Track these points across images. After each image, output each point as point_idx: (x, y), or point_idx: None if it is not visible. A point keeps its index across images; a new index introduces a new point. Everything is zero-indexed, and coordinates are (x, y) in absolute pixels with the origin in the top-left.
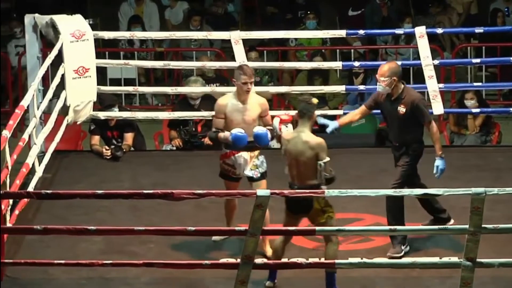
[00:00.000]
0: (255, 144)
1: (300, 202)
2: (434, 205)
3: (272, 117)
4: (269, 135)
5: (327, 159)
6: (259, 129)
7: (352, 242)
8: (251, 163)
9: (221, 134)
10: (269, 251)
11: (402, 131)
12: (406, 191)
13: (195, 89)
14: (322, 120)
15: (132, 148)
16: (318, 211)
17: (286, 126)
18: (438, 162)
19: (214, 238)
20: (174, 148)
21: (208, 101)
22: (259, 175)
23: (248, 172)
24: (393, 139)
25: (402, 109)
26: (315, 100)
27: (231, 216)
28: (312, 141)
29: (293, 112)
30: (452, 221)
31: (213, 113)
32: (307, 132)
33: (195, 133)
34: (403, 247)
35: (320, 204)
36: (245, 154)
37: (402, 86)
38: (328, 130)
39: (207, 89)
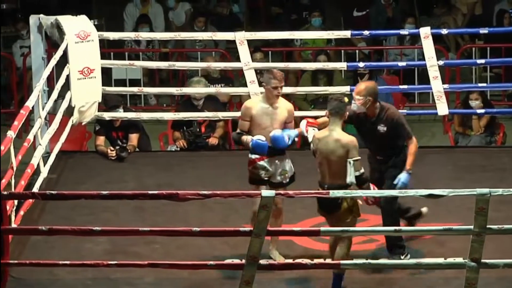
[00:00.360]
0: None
1: (329, 201)
2: (401, 208)
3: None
4: (286, 138)
5: (358, 157)
6: (276, 132)
7: (356, 243)
8: (280, 168)
9: (244, 138)
10: (276, 255)
11: (385, 147)
12: (411, 192)
13: (200, 89)
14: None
15: (137, 149)
16: (346, 211)
17: (313, 129)
18: (403, 175)
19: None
20: (178, 149)
21: (212, 101)
22: (287, 180)
23: (278, 177)
24: (376, 154)
25: (382, 128)
26: (346, 99)
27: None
28: (344, 139)
29: (318, 113)
30: (425, 209)
31: (217, 114)
32: (338, 130)
33: (199, 134)
34: (402, 257)
35: (348, 204)
36: (275, 159)
37: (379, 105)
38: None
39: (212, 89)
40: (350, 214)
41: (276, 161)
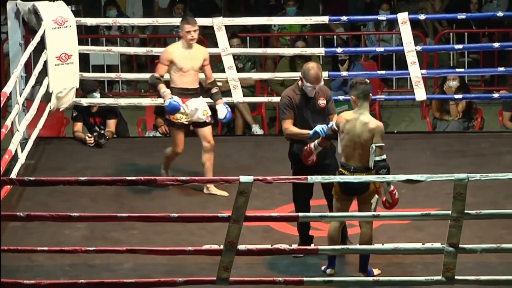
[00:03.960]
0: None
1: (357, 184)
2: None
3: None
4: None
5: (381, 144)
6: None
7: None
8: (201, 108)
9: (161, 88)
10: (216, 191)
11: (325, 123)
12: (389, 177)
13: None
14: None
15: (114, 135)
16: (372, 192)
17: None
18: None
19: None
20: (158, 134)
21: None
22: (210, 119)
23: (201, 116)
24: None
25: (322, 102)
26: (367, 80)
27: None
28: (371, 123)
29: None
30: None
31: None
32: (367, 113)
33: None
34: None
35: (375, 185)
36: (194, 101)
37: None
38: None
39: None
40: (375, 195)
41: (194, 103)
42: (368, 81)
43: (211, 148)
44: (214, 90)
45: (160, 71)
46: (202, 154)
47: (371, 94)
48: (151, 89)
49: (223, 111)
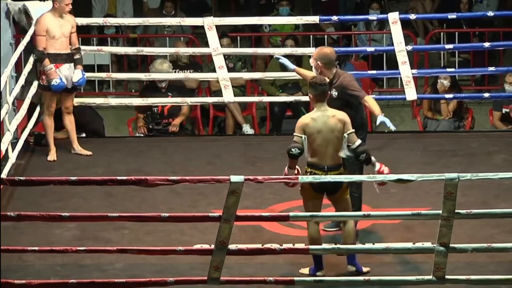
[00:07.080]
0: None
1: (330, 182)
2: None
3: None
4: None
5: (352, 130)
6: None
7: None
8: (72, 76)
9: (47, 64)
10: (82, 150)
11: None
12: (379, 177)
13: (168, 75)
14: (282, 60)
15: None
16: (345, 189)
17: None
18: (381, 117)
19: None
20: (141, 135)
21: (176, 84)
22: (77, 86)
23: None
24: None
25: (334, 93)
26: (327, 79)
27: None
28: (338, 114)
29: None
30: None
31: (185, 99)
32: (329, 108)
33: (159, 121)
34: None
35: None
36: (67, 66)
37: (334, 71)
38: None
39: (181, 75)
40: (347, 190)
41: (67, 69)
42: (327, 80)
43: (69, 112)
44: (77, 56)
45: (42, 44)
46: (63, 117)
47: (329, 92)
48: (136, 89)
49: (78, 75)
